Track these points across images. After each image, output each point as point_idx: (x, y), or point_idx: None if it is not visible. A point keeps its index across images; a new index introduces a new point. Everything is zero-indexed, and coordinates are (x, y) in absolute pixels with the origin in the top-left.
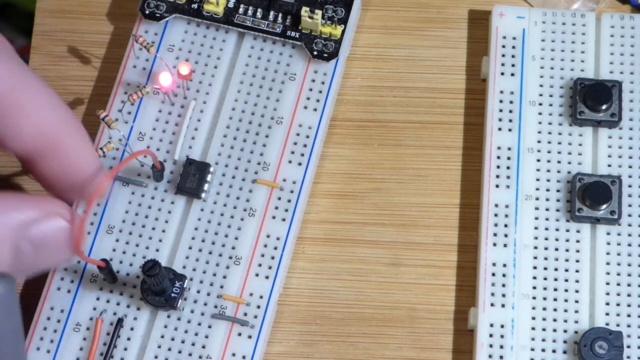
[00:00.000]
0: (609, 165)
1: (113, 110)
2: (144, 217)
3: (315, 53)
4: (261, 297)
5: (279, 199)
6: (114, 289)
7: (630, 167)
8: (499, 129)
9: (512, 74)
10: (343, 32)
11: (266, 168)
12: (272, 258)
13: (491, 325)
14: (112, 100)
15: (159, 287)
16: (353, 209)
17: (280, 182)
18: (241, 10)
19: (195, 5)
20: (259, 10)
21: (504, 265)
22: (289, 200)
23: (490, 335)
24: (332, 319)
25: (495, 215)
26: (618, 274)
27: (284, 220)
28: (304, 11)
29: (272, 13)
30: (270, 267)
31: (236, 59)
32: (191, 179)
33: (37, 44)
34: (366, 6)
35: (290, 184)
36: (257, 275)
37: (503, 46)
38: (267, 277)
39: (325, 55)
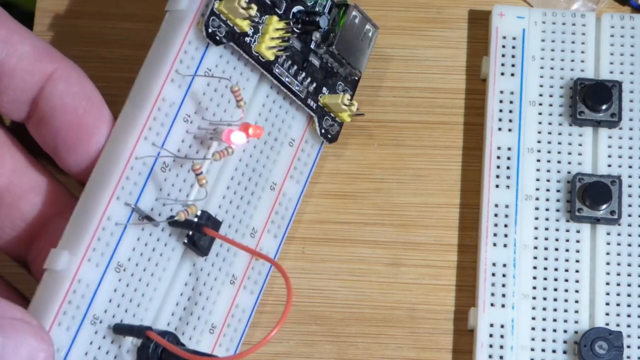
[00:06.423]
0: (609, 165)
1: (148, 124)
2: (146, 260)
3: (322, 131)
4: None
5: (252, 268)
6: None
7: (630, 167)
8: (499, 129)
9: (512, 74)
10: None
11: (253, 234)
12: (235, 331)
13: (491, 325)
14: (147, 117)
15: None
16: (353, 209)
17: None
18: (281, 60)
19: (248, 40)
20: (295, 66)
21: (504, 265)
22: (260, 273)
23: (490, 335)
24: (332, 319)
25: (495, 215)
26: (618, 274)
27: (252, 293)
28: (346, 99)
29: (302, 74)
30: (231, 340)
31: (253, 102)
32: (205, 237)
33: None
34: (366, 6)
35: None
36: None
37: (503, 46)
38: (227, 350)
39: (329, 137)
